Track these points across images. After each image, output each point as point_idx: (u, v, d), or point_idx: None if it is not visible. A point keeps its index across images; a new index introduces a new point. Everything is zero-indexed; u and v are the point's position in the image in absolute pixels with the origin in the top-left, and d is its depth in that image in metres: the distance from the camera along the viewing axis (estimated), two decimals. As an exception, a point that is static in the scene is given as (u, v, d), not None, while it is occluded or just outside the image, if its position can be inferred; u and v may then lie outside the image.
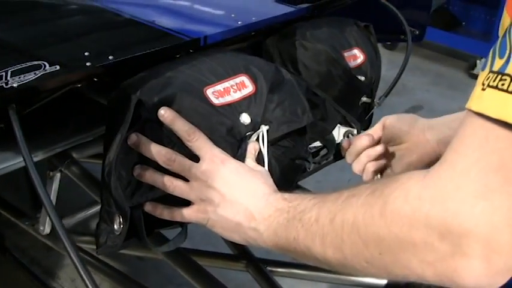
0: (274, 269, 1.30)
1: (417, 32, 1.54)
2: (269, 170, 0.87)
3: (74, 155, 1.13)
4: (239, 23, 1.05)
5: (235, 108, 0.87)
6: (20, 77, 0.75)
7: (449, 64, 3.82)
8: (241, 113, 0.88)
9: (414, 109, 3.19)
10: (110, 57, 0.84)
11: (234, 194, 0.77)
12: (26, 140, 0.82)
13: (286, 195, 0.76)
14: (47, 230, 1.19)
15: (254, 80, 0.92)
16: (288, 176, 0.96)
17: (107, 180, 0.80)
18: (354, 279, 1.22)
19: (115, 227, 0.81)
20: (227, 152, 0.82)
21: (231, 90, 0.88)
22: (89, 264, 1.26)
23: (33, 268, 1.79)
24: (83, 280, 0.68)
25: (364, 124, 1.28)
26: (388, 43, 3.49)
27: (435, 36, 3.50)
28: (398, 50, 3.41)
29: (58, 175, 1.12)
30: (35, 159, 1.00)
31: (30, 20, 0.98)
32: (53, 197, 1.15)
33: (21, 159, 0.76)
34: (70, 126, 1.09)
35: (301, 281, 1.47)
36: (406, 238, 0.56)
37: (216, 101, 0.86)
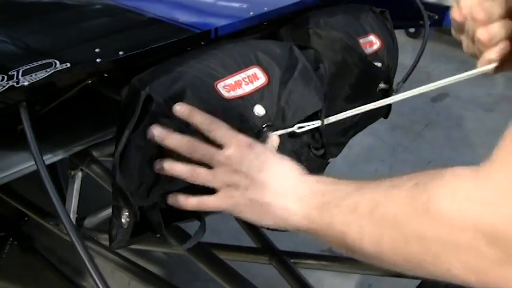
0: (298, 261, 1.29)
1: (436, 17, 1.51)
2: None
3: (94, 153, 1.14)
4: (251, 13, 1.04)
5: (247, 100, 0.87)
6: (31, 76, 0.75)
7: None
8: (255, 104, 0.87)
9: (440, 97, 3.15)
10: (120, 53, 0.84)
11: (263, 176, 0.74)
12: (43, 140, 0.83)
13: (321, 178, 0.73)
14: (70, 228, 1.20)
15: (266, 70, 0.91)
16: (308, 168, 0.95)
17: (113, 174, 0.81)
18: (383, 270, 1.20)
19: (122, 220, 0.81)
20: None
21: (242, 83, 0.88)
22: (115, 263, 1.27)
23: (62, 267, 1.80)
24: (93, 279, 0.69)
25: (383, 112, 1.27)
26: (412, 31, 3.45)
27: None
28: (422, 38, 3.36)
29: (79, 174, 1.13)
30: (55, 158, 1.02)
31: (41, 20, 0.99)
32: (75, 195, 1.17)
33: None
34: (89, 124, 1.09)
35: (329, 272, 1.47)
36: (450, 239, 0.54)
37: (227, 94, 0.85)
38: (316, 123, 0.93)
